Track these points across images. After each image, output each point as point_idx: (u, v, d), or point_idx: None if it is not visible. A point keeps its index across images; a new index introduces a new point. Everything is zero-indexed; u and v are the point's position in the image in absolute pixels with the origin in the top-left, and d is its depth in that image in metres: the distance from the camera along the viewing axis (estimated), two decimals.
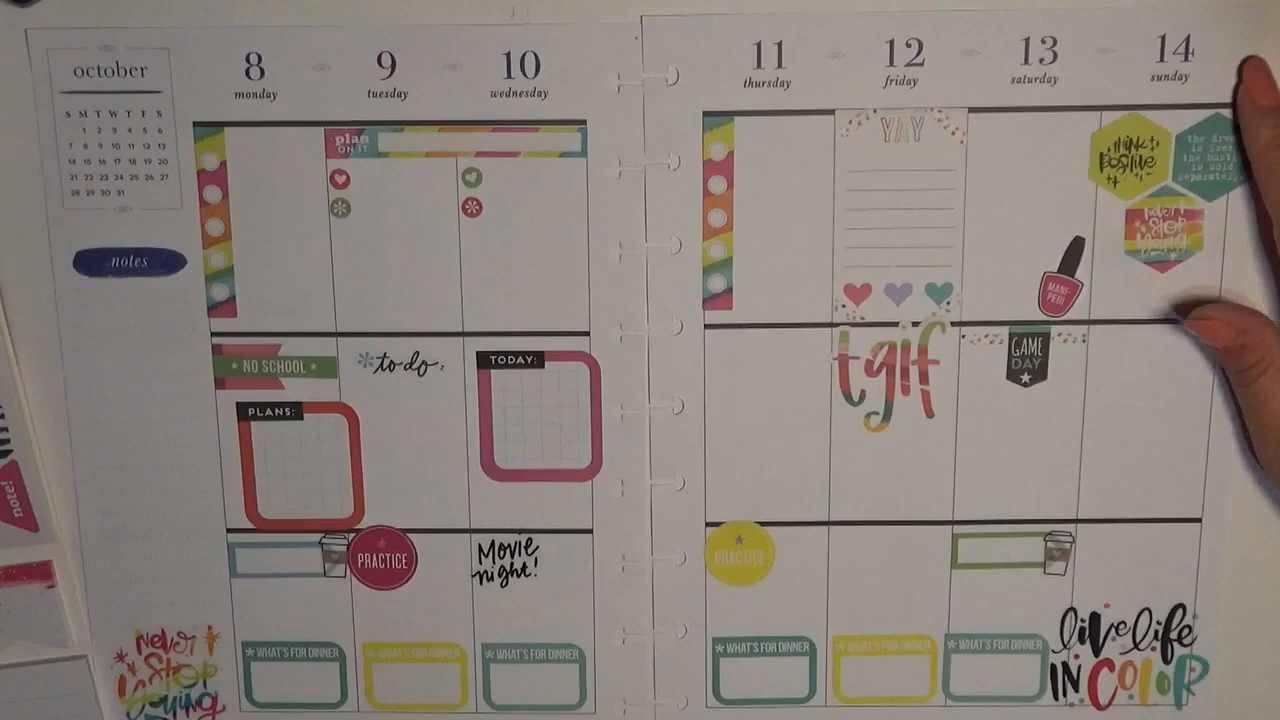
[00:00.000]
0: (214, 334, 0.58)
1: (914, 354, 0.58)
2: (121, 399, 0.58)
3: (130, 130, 0.55)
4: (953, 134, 0.55)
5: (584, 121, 0.56)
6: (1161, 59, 0.54)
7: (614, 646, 0.60)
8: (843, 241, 0.56)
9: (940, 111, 0.55)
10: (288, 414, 0.58)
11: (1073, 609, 0.60)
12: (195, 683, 0.61)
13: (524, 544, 0.59)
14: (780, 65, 0.55)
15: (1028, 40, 0.54)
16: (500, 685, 0.61)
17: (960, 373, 0.58)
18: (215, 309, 0.57)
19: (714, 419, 0.58)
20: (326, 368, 0.58)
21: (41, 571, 0.59)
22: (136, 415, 0.58)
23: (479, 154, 0.56)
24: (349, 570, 0.60)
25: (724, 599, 0.60)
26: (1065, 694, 0.61)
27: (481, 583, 0.60)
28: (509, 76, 0.55)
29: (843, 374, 0.58)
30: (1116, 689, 0.61)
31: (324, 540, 0.60)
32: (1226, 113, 0.55)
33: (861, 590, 0.60)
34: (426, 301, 0.57)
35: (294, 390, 0.58)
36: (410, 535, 0.59)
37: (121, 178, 0.56)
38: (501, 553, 0.59)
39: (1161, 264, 0.56)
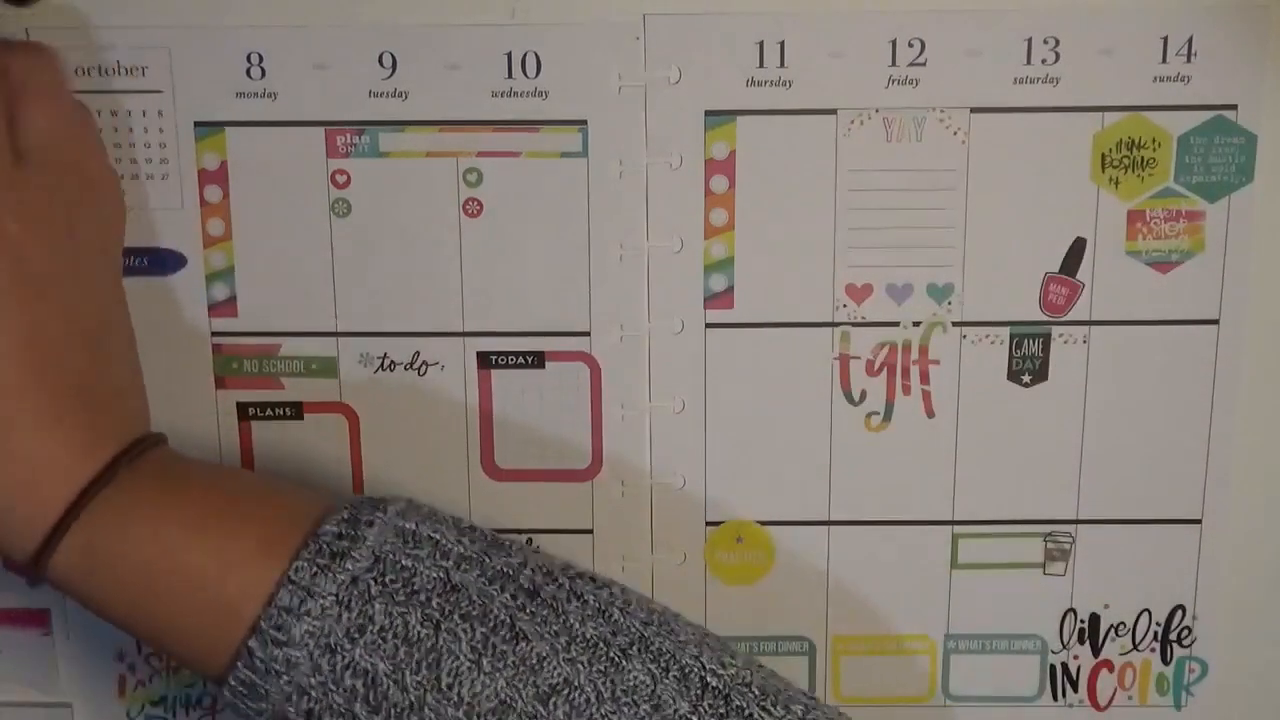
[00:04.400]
0: (214, 334, 0.57)
1: (915, 354, 0.58)
2: None
3: (131, 130, 0.55)
4: (955, 134, 0.55)
5: (585, 121, 0.55)
6: (1164, 60, 0.54)
7: None
8: (844, 241, 0.56)
9: (942, 111, 0.55)
10: (288, 414, 0.58)
11: (1072, 610, 0.60)
12: (195, 682, 0.61)
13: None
14: (783, 65, 0.55)
15: (1030, 40, 0.54)
16: None
17: (961, 373, 0.58)
18: (215, 309, 0.57)
19: (714, 418, 0.58)
20: (326, 368, 0.58)
21: (38, 619, 0.60)
22: None
23: (480, 154, 0.56)
24: None
25: (724, 598, 0.60)
26: (1064, 695, 0.61)
27: None
28: (509, 76, 0.55)
29: (843, 374, 0.58)
30: (1116, 690, 0.61)
31: None
32: (1229, 114, 0.55)
33: (861, 590, 0.60)
34: (426, 301, 0.57)
35: (294, 390, 0.58)
36: None
37: (122, 177, 0.56)
38: None
39: (1163, 265, 0.56)
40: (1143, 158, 0.55)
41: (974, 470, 0.58)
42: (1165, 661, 0.60)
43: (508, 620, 0.46)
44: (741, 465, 0.59)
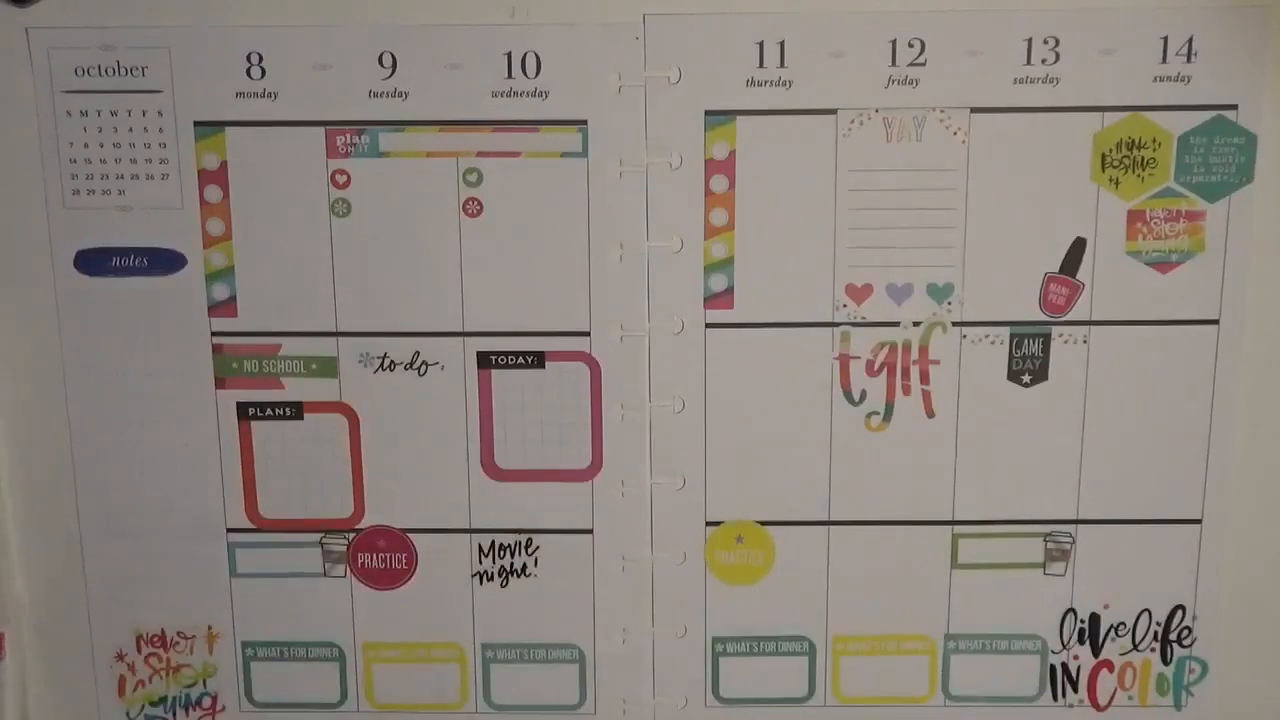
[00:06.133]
0: (214, 334, 0.57)
1: (915, 354, 0.58)
2: (121, 399, 0.58)
3: (131, 130, 0.55)
4: (954, 134, 0.55)
5: (585, 121, 0.55)
6: (1164, 60, 0.54)
7: (614, 646, 0.60)
8: (844, 241, 0.56)
9: (942, 111, 0.55)
10: (288, 414, 0.58)
11: (1072, 610, 0.60)
12: (195, 682, 0.61)
13: (524, 544, 0.59)
14: (783, 64, 0.55)
15: (1030, 40, 0.54)
16: (500, 685, 0.61)
17: (961, 373, 0.58)
18: (215, 309, 0.57)
19: (714, 418, 0.58)
20: (327, 368, 0.58)
21: None
22: (136, 415, 0.58)
23: (480, 154, 0.56)
24: (349, 570, 0.60)
25: (724, 598, 0.60)
26: (1064, 695, 0.61)
27: (481, 583, 0.60)
28: (509, 76, 0.55)
29: (843, 374, 0.58)
30: (1116, 690, 0.61)
31: (324, 540, 0.60)
32: (1229, 114, 0.55)
33: (861, 590, 0.60)
34: (426, 301, 0.57)
35: (294, 390, 0.58)
36: (410, 535, 0.59)
37: (122, 177, 0.56)
38: (501, 553, 0.59)
39: (1163, 265, 0.56)
40: (1143, 158, 0.55)
41: (974, 470, 0.59)
42: (1165, 661, 0.60)
43: None
44: (741, 465, 0.59)
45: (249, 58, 0.55)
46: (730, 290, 0.57)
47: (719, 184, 0.56)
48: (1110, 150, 0.55)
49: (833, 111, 0.55)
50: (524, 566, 0.60)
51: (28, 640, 0.60)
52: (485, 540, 0.59)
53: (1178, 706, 0.61)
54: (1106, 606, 0.60)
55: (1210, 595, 0.59)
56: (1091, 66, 0.55)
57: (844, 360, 0.58)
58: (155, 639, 0.61)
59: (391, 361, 0.58)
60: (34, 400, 0.58)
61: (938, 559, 0.60)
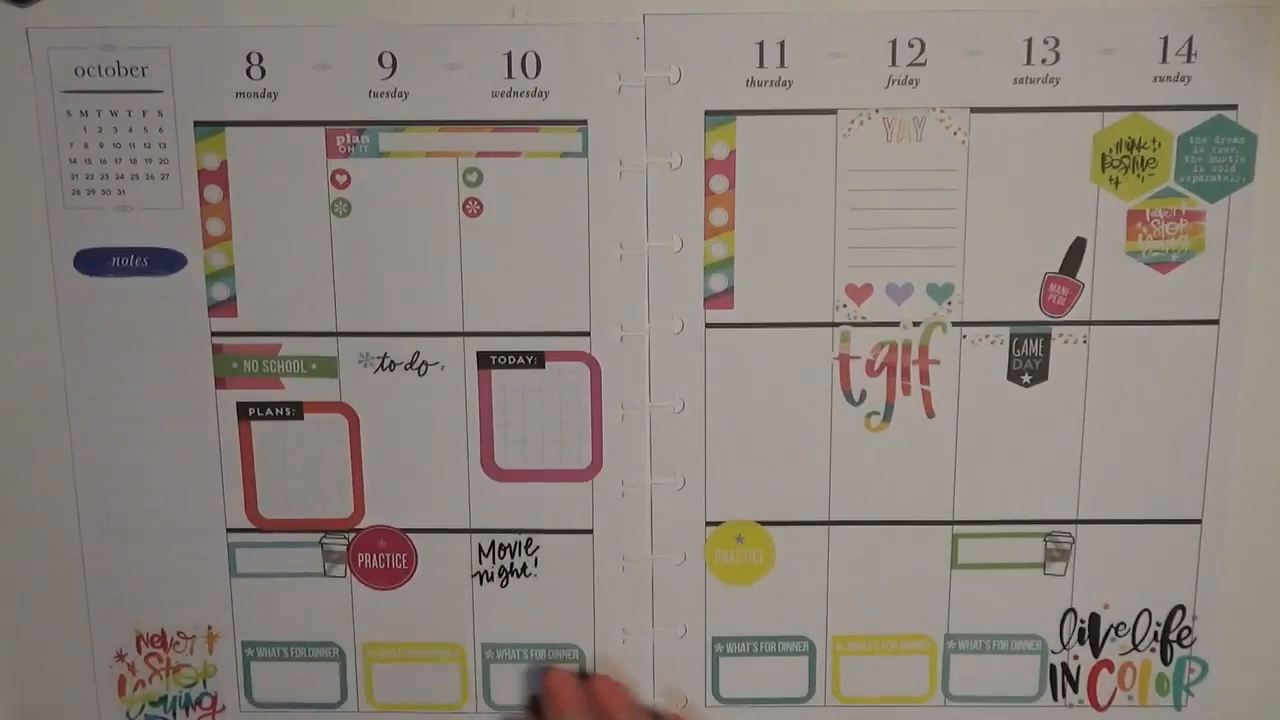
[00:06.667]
0: (214, 334, 0.57)
1: (915, 354, 0.58)
2: (121, 399, 0.58)
3: (131, 130, 0.55)
4: (954, 134, 0.55)
5: (585, 121, 0.55)
6: (1164, 60, 0.54)
7: (614, 646, 0.60)
8: (844, 241, 0.56)
9: (942, 111, 0.55)
10: (288, 414, 0.58)
11: (1072, 610, 0.60)
12: (195, 682, 0.61)
13: (524, 544, 0.59)
14: (783, 65, 0.55)
15: (1030, 41, 0.54)
16: (500, 685, 0.61)
17: (961, 373, 0.58)
18: (215, 309, 0.57)
19: (714, 418, 0.58)
20: (327, 368, 0.58)
21: None
22: (136, 415, 0.58)
23: (480, 154, 0.56)
24: (349, 570, 0.60)
25: (724, 598, 0.60)
26: (1064, 694, 0.61)
27: (481, 583, 0.60)
28: (509, 76, 0.55)
29: (843, 374, 0.58)
30: (1116, 690, 0.61)
31: (324, 540, 0.60)
32: (1229, 114, 0.55)
33: (861, 590, 0.60)
34: (426, 301, 0.57)
35: (294, 390, 0.58)
36: (410, 535, 0.59)
37: (122, 177, 0.56)
38: (501, 553, 0.59)
39: (1163, 265, 0.56)
40: (1143, 158, 0.55)
41: (974, 470, 0.59)
42: (1165, 661, 0.60)
43: None
44: (741, 465, 0.59)
45: (249, 58, 0.55)
46: (730, 290, 0.57)
47: (719, 184, 0.56)
48: (1110, 150, 0.55)
49: (833, 111, 0.55)
50: (524, 566, 0.60)
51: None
52: (485, 540, 0.59)
53: (1178, 706, 0.61)
54: (1106, 606, 0.60)
55: (1210, 595, 0.59)
56: (1091, 66, 0.55)
57: (844, 360, 0.58)
58: (155, 639, 0.61)
59: (391, 361, 0.58)
60: (34, 400, 0.58)
61: (938, 559, 0.60)
